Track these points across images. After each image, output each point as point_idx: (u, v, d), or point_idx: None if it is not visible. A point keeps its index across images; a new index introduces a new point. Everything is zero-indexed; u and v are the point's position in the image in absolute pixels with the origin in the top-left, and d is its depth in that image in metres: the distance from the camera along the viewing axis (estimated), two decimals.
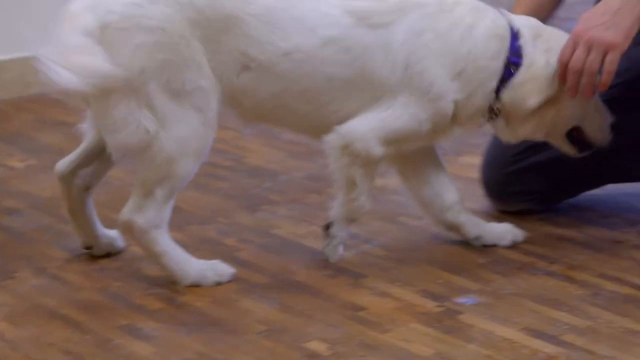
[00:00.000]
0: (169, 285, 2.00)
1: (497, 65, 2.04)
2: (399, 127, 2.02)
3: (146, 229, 1.96)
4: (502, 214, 2.33)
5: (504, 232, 2.21)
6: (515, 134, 2.11)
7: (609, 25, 2.01)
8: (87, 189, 2.11)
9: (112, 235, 2.16)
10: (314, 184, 2.54)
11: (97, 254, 2.14)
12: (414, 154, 2.16)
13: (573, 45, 2.01)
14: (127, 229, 1.98)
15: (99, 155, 2.10)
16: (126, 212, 1.96)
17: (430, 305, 1.92)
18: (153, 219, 1.96)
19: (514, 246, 2.18)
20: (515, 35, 2.05)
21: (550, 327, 1.83)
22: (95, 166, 2.11)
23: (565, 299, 1.94)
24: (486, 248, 2.17)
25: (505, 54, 2.04)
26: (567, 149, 2.16)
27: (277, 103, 2.02)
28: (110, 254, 2.14)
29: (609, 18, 2.01)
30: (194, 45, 1.93)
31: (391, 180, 2.56)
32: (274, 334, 1.82)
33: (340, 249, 2.09)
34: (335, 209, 2.07)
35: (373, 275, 2.04)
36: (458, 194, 2.20)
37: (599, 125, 2.14)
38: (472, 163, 2.52)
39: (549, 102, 2.06)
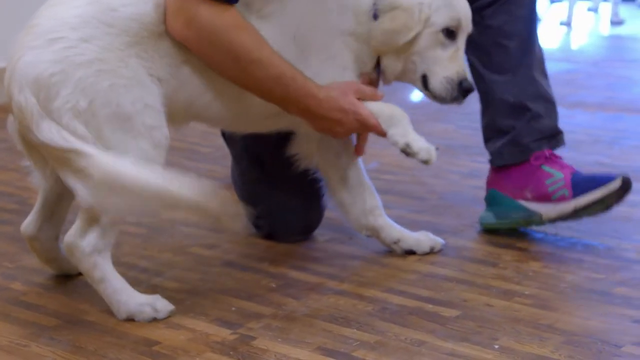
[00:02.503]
0: None
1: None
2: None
3: (88, 253, 1.94)
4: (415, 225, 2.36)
5: (422, 239, 2.29)
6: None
7: None
8: (57, 237, 2.14)
9: None
10: None
11: None
12: (337, 160, 2.24)
13: None
14: (70, 251, 1.96)
15: (57, 203, 2.12)
16: (70, 235, 1.95)
17: (225, 333, 1.92)
18: (96, 243, 1.94)
19: (304, 268, 2.22)
20: None
21: (342, 345, 1.87)
22: (58, 213, 2.13)
23: (355, 316, 1.99)
24: (277, 272, 2.21)
25: None
26: (426, 93, 2.18)
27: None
28: None
29: None
30: (132, 64, 1.93)
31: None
32: None
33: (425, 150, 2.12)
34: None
35: None
36: (378, 199, 2.27)
37: (445, 77, 2.13)
38: None
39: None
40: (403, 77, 2.20)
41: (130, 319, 1.97)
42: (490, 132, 2.44)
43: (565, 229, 2.43)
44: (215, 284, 2.16)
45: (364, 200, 2.27)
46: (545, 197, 2.33)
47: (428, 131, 3.27)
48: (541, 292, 2.09)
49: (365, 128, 2.14)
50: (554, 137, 2.39)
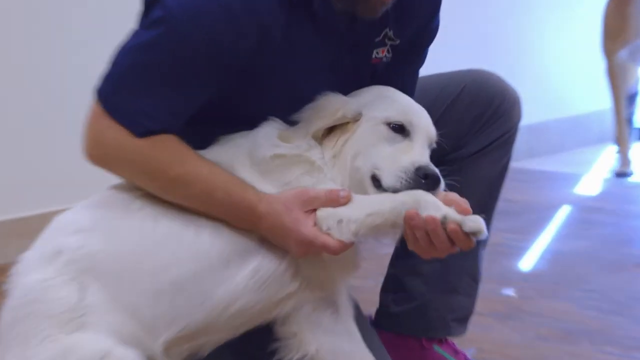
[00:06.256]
0: None
1: None
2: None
3: None
4: None
5: None
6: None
7: None
8: None
9: None
10: None
11: None
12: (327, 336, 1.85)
13: None
14: None
15: None
16: None
17: None
18: None
19: None
20: None
21: None
22: None
23: None
24: None
25: None
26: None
27: None
28: None
29: None
30: None
31: None
32: None
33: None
34: None
35: None
36: None
37: (397, 168, 1.79)
38: None
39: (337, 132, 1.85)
40: (355, 185, 1.82)
41: None
42: (395, 285, 2.18)
43: None
44: None
45: None
46: None
47: (541, 311, 2.78)
48: None
49: (314, 250, 1.75)
50: (464, 320, 2.16)
